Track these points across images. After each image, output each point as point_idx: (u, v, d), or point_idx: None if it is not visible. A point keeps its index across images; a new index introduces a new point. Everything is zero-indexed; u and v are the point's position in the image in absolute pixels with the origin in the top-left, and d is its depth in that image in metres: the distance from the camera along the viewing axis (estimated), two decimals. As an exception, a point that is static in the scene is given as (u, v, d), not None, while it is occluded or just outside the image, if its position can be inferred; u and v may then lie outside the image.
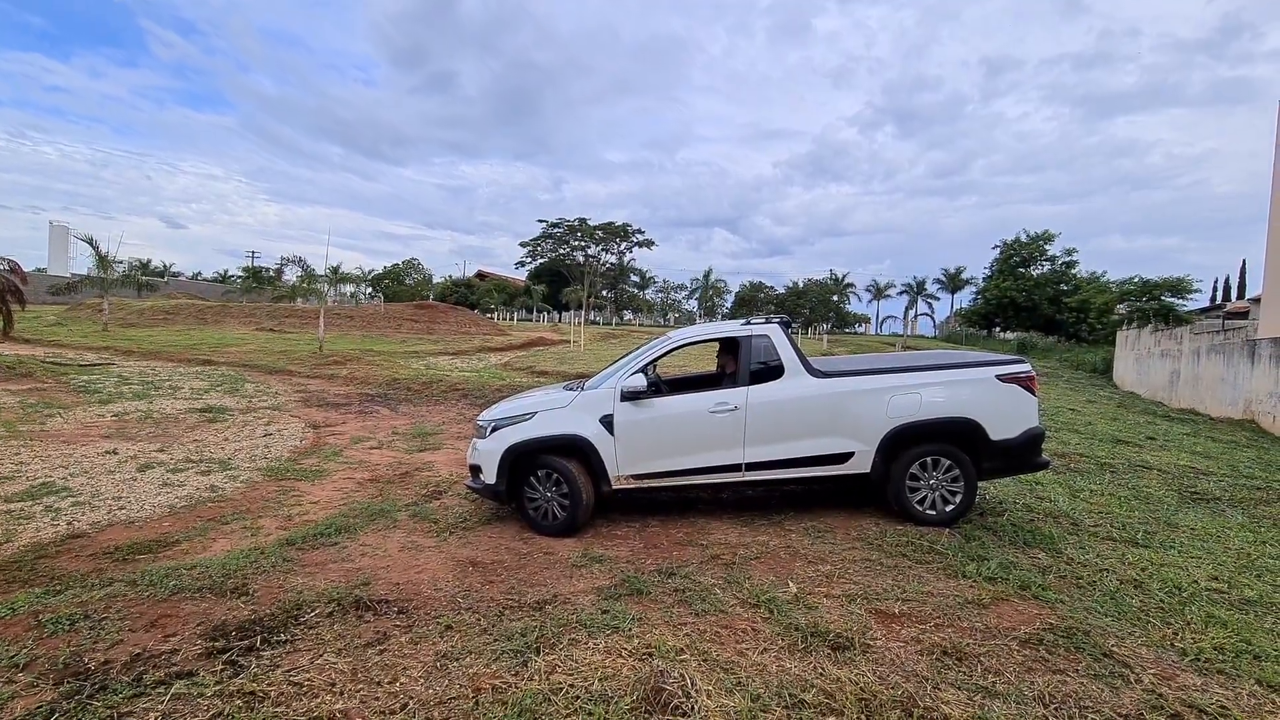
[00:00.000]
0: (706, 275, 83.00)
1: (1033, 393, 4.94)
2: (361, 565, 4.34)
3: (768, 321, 5.28)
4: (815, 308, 68.00)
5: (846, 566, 4.26)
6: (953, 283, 78.09)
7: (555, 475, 4.98)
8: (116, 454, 7.25)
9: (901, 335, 49.98)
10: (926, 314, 78.53)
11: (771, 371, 5.09)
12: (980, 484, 5.20)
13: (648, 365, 5.17)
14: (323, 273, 25.45)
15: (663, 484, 5.08)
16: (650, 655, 3.15)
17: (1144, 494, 6.59)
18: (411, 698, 2.79)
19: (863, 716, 2.67)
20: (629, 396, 4.99)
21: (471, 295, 65.62)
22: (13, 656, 2.95)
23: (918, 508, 4.96)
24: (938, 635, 3.35)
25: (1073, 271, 53.75)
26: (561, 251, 70.25)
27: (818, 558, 4.43)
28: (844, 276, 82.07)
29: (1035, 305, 51.74)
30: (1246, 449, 10.04)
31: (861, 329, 76.51)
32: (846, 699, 2.78)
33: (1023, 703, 2.80)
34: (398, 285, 69.21)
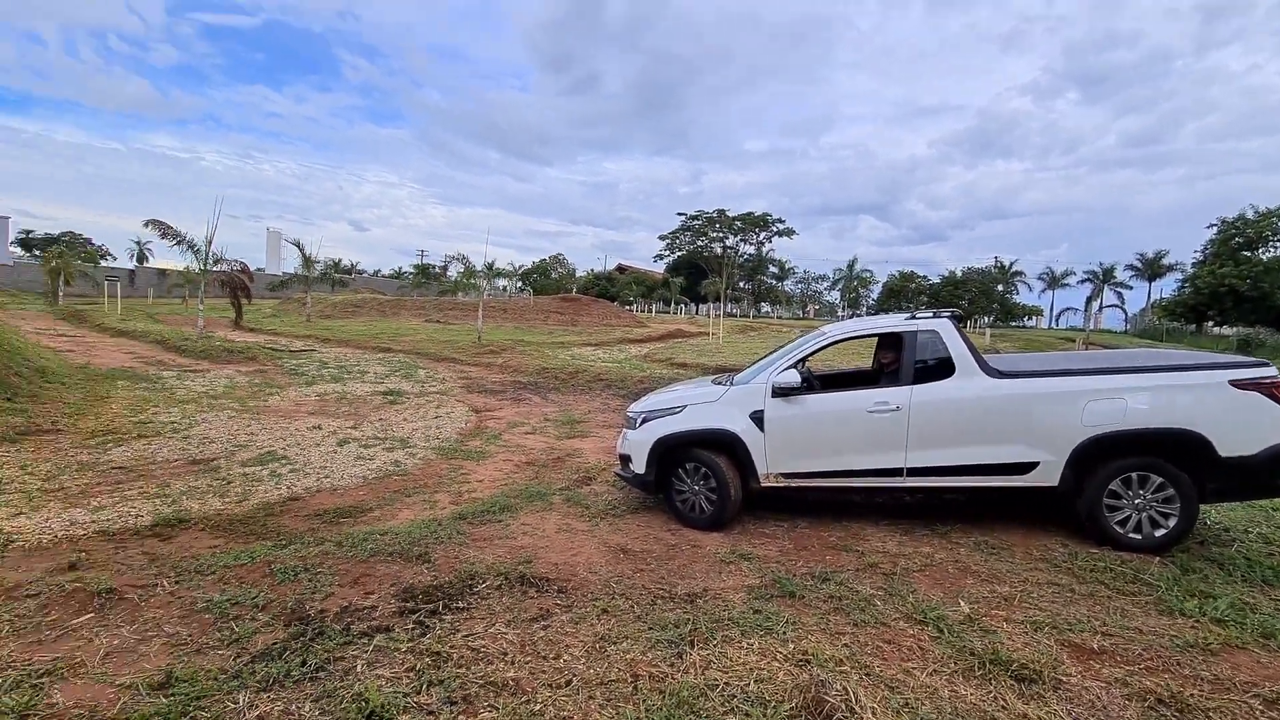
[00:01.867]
0: (850, 265, 78.93)
1: (1278, 401, 4.09)
2: (523, 544, 4.64)
3: (936, 315, 4.87)
4: (976, 299, 62.05)
5: (1029, 590, 3.83)
6: (1150, 269, 67.82)
7: (703, 469, 4.98)
8: (320, 429, 8.38)
9: (1083, 330, 44.05)
10: (1115, 305, 68.64)
11: (940, 369, 4.69)
12: (1201, 508, 4.43)
13: (800, 360, 4.99)
14: (480, 269, 27.55)
15: (814, 484, 4.89)
16: (807, 662, 3.05)
17: None
18: (575, 675, 2.93)
19: (1058, 761, 2.38)
20: (781, 392, 4.86)
21: (611, 288, 67.79)
22: (254, 598, 3.51)
23: (1118, 530, 4.33)
24: (1150, 680, 2.90)
25: (1319, 254, 44.21)
26: (699, 243, 70.28)
27: (993, 576, 4.03)
28: (1011, 264, 74.21)
29: (1264, 295, 43.25)
30: None
31: (1032, 322, 68.68)
32: None
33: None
34: (544, 279, 73.35)
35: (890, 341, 5.07)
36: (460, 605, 3.58)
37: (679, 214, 68.90)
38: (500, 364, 17.00)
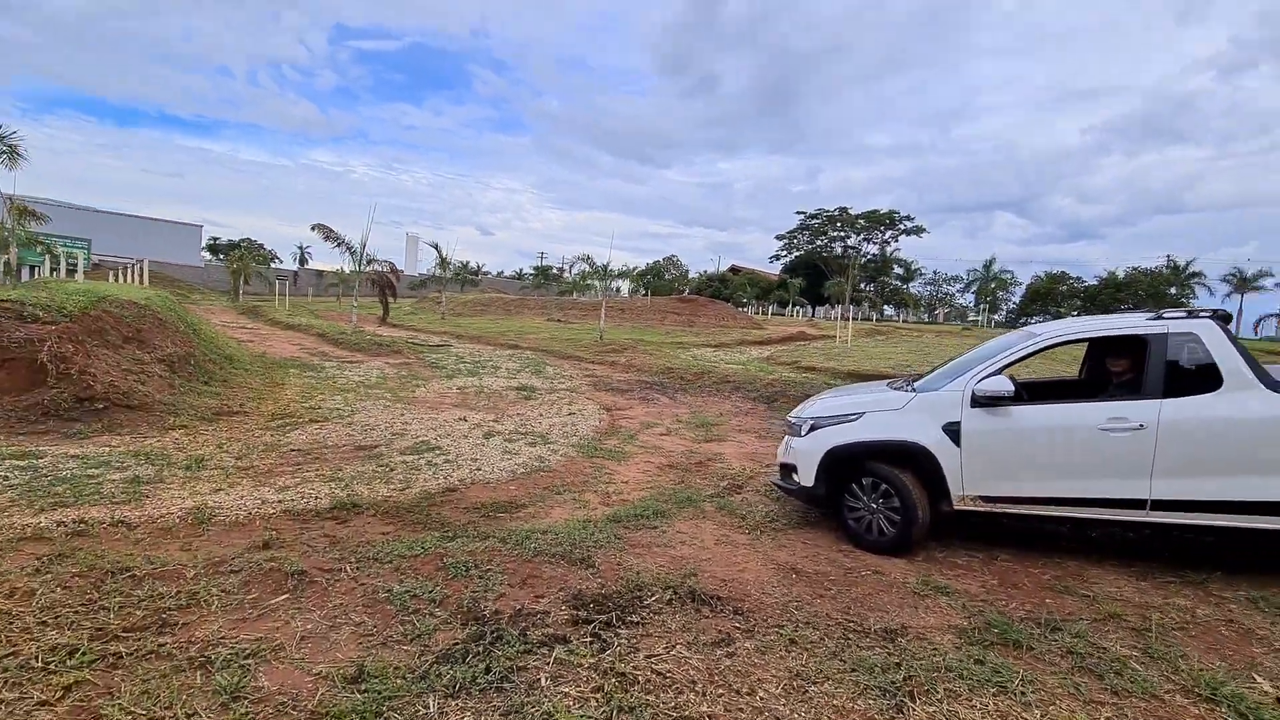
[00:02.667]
0: (987, 265, 72.39)
1: None
2: (683, 554, 4.34)
3: (1192, 315, 4.00)
4: (1141, 302, 54.76)
5: (1348, 668, 2.97)
6: (1374, 270, 56.68)
7: (884, 486, 4.44)
8: (466, 421, 8.63)
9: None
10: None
11: (1199, 381, 3.83)
12: None
13: (1006, 366, 4.30)
14: (605, 269, 27.94)
15: (1021, 510, 4.20)
16: (1066, 736, 2.47)
17: None
18: (776, 717, 2.56)
19: None
20: (984, 402, 4.21)
21: (725, 289, 66.90)
22: (430, 591, 3.46)
23: None
24: None
25: None
26: (818, 243, 67.69)
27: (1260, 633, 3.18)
28: (1188, 264, 64.84)
29: None
30: None
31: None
32: None
33: None
34: (658, 280, 73.79)
35: (1123, 346, 4.24)
36: (634, 619, 3.32)
37: (797, 213, 66.87)
38: (624, 363, 17.02)
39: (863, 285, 66.52)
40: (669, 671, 2.85)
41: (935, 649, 3.15)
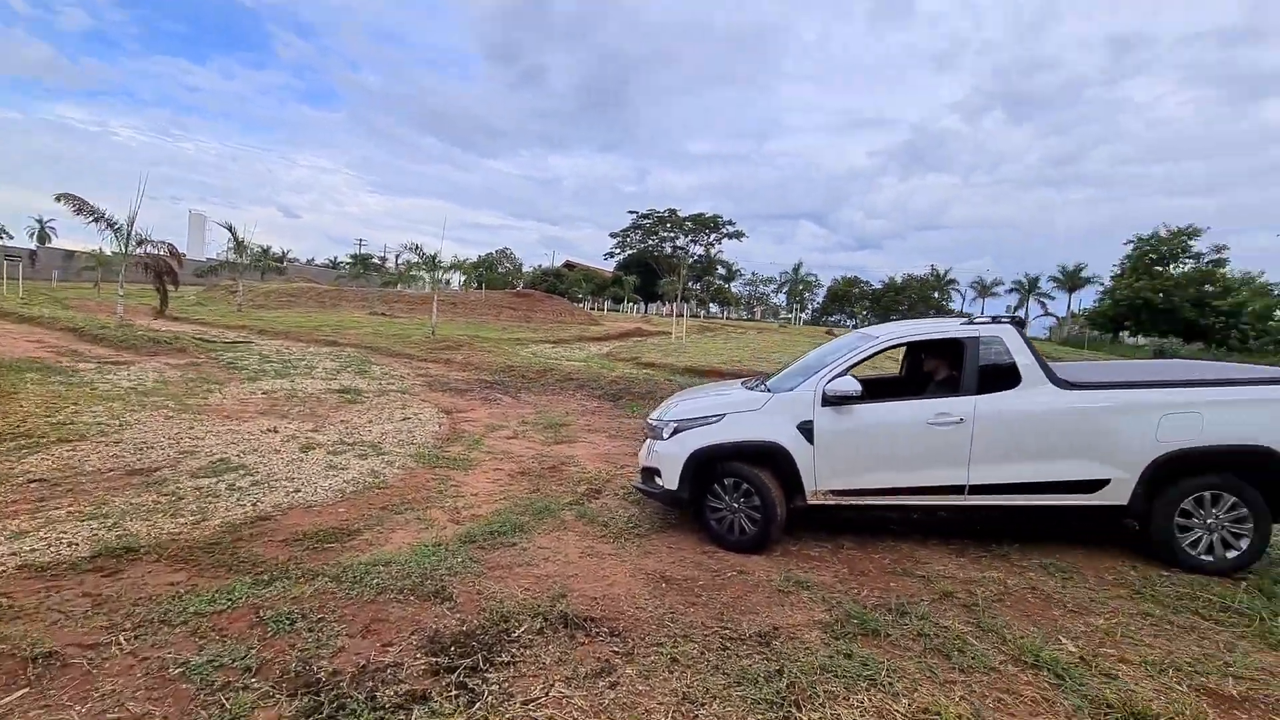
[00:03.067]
0: (796, 269, 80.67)
1: (1353, 418, 3.98)
2: (548, 572, 4.04)
3: (996, 320, 4.57)
4: (914, 304, 64.45)
5: (1125, 622, 3.54)
6: (1071, 281, 71.89)
7: (744, 485, 4.51)
8: (278, 433, 7.44)
9: (1049, 338, 45.88)
10: (1048, 314, 72.50)
11: (1003, 379, 4.38)
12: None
13: (852, 367, 4.58)
14: (434, 260, 26.21)
15: (866, 502, 4.51)
16: (934, 723, 2.61)
17: None
18: (670, 752, 2.39)
19: None
20: (834, 401, 4.44)
21: (560, 284, 66.68)
22: (244, 657, 2.79)
23: (1189, 551, 4.13)
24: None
25: (1221, 271, 47.94)
26: (650, 242, 70.07)
27: (1079, 607, 3.72)
28: (946, 272, 77.43)
29: (1174, 308, 46.55)
30: None
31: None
32: None
33: None
34: (491, 274, 71.36)
35: (941, 348, 4.73)
36: (503, 658, 2.97)
37: (630, 212, 68.66)
38: (461, 360, 16.06)
39: (691, 284, 70.16)
40: (552, 718, 2.55)
41: (807, 648, 3.21)
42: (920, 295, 65.55)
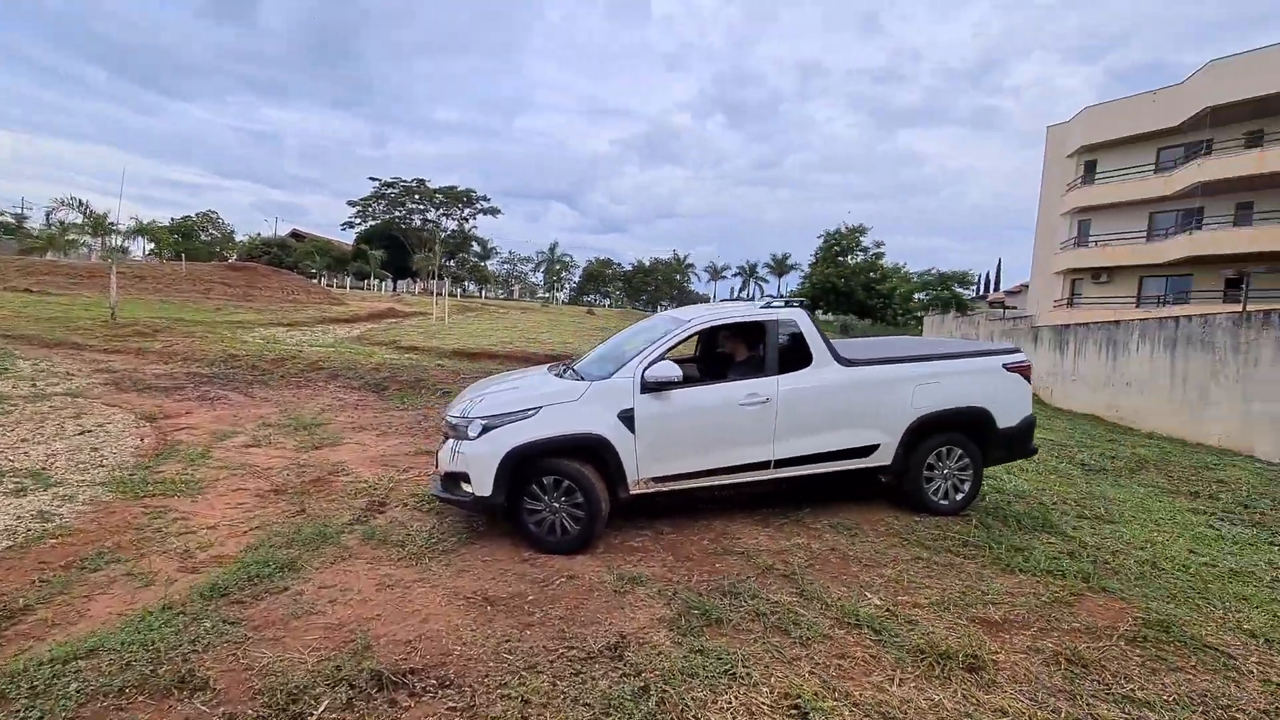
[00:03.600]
0: (552, 249, 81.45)
1: (1029, 380, 5.12)
2: (341, 618, 3.26)
3: (788, 304, 4.89)
4: (661, 286, 69.95)
5: (905, 569, 4.06)
6: (780, 267, 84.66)
7: (565, 482, 4.18)
8: None
9: None
10: (765, 296, 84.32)
11: (799, 359, 4.71)
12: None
13: (668, 351, 4.52)
14: (102, 221, 20.28)
15: (686, 485, 4.51)
16: (798, 708, 2.64)
17: (1058, 469, 7.36)
18: (552, 825, 2.01)
19: (1076, 756, 2.42)
20: (653, 387, 4.32)
21: (288, 257, 57.69)
22: None
23: (933, 498, 4.95)
24: (1050, 642, 3.24)
25: (880, 262, 60.80)
26: (397, 214, 64.32)
27: (870, 561, 4.18)
28: (685, 257, 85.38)
29: (852, 291, 57.77)
30: (1051, 419, 11.87)
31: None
32: None
33: (1174, 708, 2.75)
34: (190, 242, 58.44)
35: (743, 331, 4.92)
36: (304, 757, 2.24)
37: (372, 179, 61.94)
38: (160, 350, 12.77)
39: (446, 261, 66.50)
40: (392, 827, 1.96)
41: (661, 652, 3.04)
42: (665, 277, 71.36)
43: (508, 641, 3.11)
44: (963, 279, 47.32)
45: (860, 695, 2.76)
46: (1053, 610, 3.56)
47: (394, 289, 59.42)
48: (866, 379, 4.77)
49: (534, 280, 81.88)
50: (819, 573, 3.99)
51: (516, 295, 78.40)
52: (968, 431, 4.97)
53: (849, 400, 4.72)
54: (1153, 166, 30.60)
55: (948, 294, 46.43)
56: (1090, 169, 33.02)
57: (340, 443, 7.02)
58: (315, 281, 45.78)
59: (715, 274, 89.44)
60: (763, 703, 2.68)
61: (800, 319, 4.77)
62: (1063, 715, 2.69)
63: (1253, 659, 3.15)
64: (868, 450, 4.78)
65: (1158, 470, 7.83)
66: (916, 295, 50.86)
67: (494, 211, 68.56)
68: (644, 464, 4.34)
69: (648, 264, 73.77)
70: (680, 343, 4.58)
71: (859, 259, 60.73)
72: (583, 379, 4.63)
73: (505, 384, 5.01)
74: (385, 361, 12.85)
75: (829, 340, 4.81)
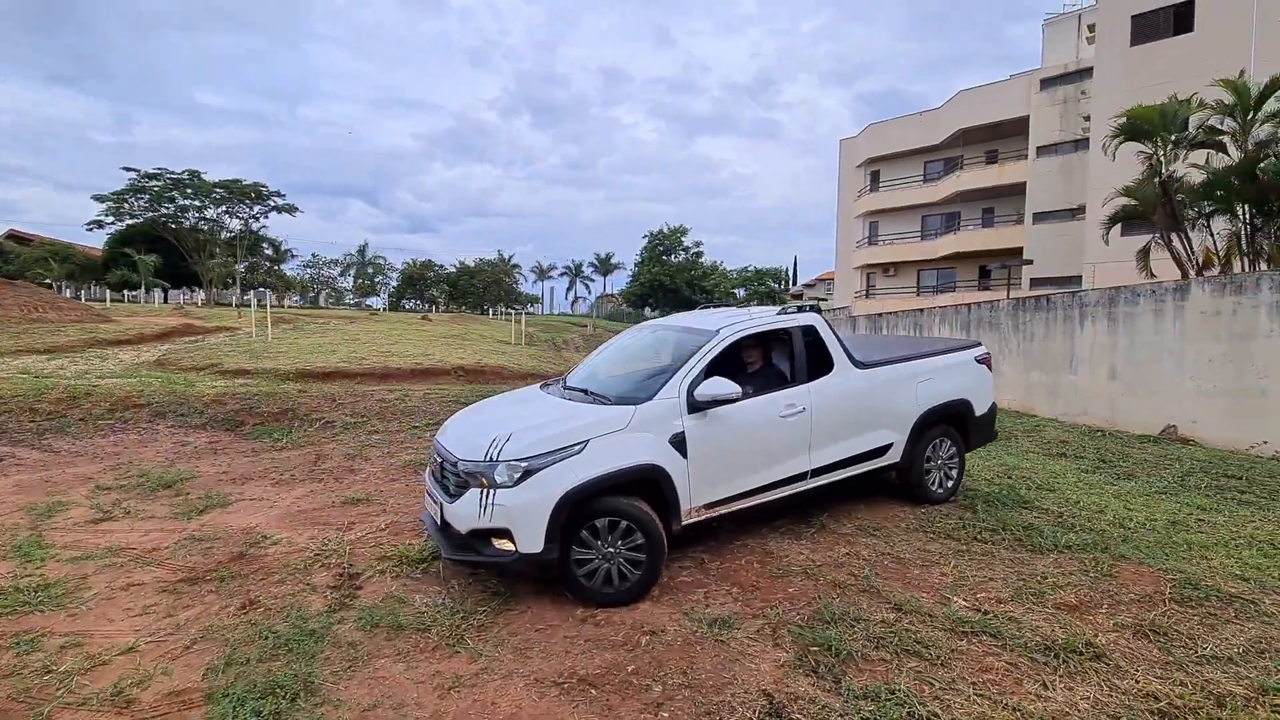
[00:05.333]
0: (362, 250, 74.47)
1: (991, 370, 5.59)
2: (427, 749, 2.47)
3: (802, 310, 4.76)
4: (489, 287, 67.25)
5: (956, 564, 4.17)
6: (604, 266, 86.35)
7: (622, 523, 3.65)
8: None
9: (592, 316, 52.47)
10: (611, 294, 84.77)
11: (823, 365, 4.62)
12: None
13: (710, 366, 4.15)
14: None
15: (736, 508, 4.19)
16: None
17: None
18: None
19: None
20: (703, 406, 3.94)
21: (5, 265, 45.71)
22: None
23: (931, 489, 5.19)
24: (1127, 617, 3.50)
25: (701, 260, 64.83)
26: (163, 211, 54.03)
27: (920, 561, 4.23)
28: (510, 257, 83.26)
29: (678, 288, 60.84)
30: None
31: (533, 309, 78.75)
32: (1178, 710, 2.68)
33: (1252, 659, 3.10)
34: None
35: (766, 339, 4.67)
36: None
37: (127, 170, 50.99)
38: None
39: (238, 267, 57.69)
40: None
41: (824, 705, 2.74)
42: (492, 278, 68.67)
43: (656, 732, 2.59)
44: (776, 275, 52.36)
45: (1033, 708, 2.72)
46: (1103, 585, 3.88)
47: (165, 299, 49.87)
48: (880, 380, 4.84)
49: (343, 285, 74.17)
50: (887, 581, 3.93)
51: (323, 303, 70.28)
52: (954, 423, 5.30)
53: (868, 403, 4.75)
54: (921, 177, 36.21)
55: (764, 288, 50.99)
56: (876, 178, 38.13)
57: (230, 501, 5.54)
58: (65, 296, 36.73)
59: (542, 274, 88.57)
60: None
61: (819, 324, 4.69)
62: (1191, 687, 2.88)
63: (1268, 601, 3.70)
64: (885, 450, 4.86)
65: (1013, 437, 9.13)
66: (737, 290, 55.10)
67: (290, 209, 60.56)
68: (696, 490, 3.95)
69: (472, 265, 70.47)
70: (720, 355, 4.23)
71: (681, 257, 64.14)
72: (608, 400, 4.10)
73: (500, 412, 4.27)
74: (227, 391, 10.54)
75: (845, 344, 4.79)
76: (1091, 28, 25.52)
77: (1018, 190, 29.89)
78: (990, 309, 17.97)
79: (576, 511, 3.55)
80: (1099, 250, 19.55)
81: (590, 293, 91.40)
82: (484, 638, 3.33)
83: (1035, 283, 27.13)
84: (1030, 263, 25.31)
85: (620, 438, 3.74)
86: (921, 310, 20.85)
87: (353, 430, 8.18)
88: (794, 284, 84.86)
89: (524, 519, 3.46)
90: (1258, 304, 10.65)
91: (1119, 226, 16.50)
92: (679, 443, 3.87)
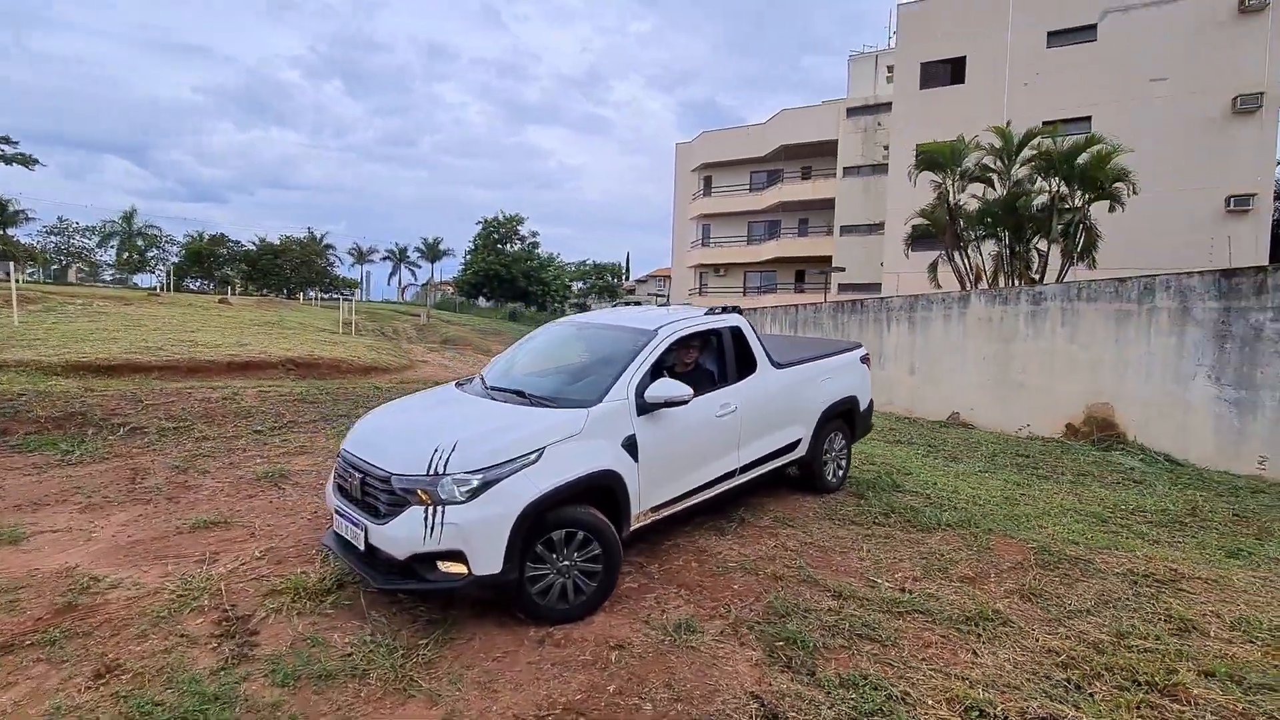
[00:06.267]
0: (128, 217, 62.23)
1: (869, 369, 6.18)
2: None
3: (725, 311, 4.84)
4: (296, 268, 59.85)
5: (870, 548, 4.54)
6: (432, 252, 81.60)
7: (579, 534, 3.44)
8: None
9: (425, 304, 48.54)
10: (439, 282, 79.58)
11: (747, 366, 4.75)
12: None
13: (655, 367, 4.05)
14: None
15: (676, 509, 4.15)
16: (973, 709, 2.80)
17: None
18: None
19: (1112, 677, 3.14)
20: (652, 407, 3.85)
21: None
22: None
23: (828, 479, 5.60)
24: (1010, 584, 4.08)
25: (537, 251, 63.82)
26: None
27: (838, 548, 4.54)
28: (323, 236, 75.15)
29: (514, 279, 59.26)
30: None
31: (353, 295, 71.72)
32: (1074, 660, 3.20)
33: (1101, 610, 3.80)
34: None
35: (698, 339, 4.66)
36: None
37: None
38: None
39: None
40: None
41: (813, 702, 2.83)
42: (303, 259, 61.17)
43: (665, 753, 2.48)
44: (614, 270, 53.29)
45: (975, 675, 3.06)
46: (986, 557, 4.48)
47: None
48: (794, 380, 5.11)
49: (102, 259, 61.48)
50: (818, 569, 4.17)
51: (73, 279, 57.41)
52: (845, 417, 5.77)
53: (785, 401, 4.99)
54: (748, 186, 39.18)
55: (603, 283, 51.69)
56: (709, 183, 40.49)
57: (22, 535, 4.29)
58: None
59: (361, 256, 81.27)
60: (948, 717, 2.75)
61: (744, 325, 4.82)
62: (1074, 639, 3.45)
63: (1098, 560, 4.53)
64: (796, 445, 5.14)
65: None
66: (575, 284, 55.09)
67: (25, 160, 48.83)
68: (645, 494, 3.85)
69: (277, 242, 62.16)
70: (661, 355, 4.16)
71: (518, 247, 62.52)
72: (548, 402, 3.85)
73: (449, 419, 3.81)
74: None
75: (765, 345, 4.98)
76: (890, 68, 29.37)
77: (829, 205, 33.57)
78: (814, 310, 20.03)
79: (534, 525, 3.28)
80: (896, 262, 22.71)
81: (416, 279, 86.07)
82: (436, 675, 2.94)
83: (842, 288, 30.87)
84: (844, 270, 28.57)
85: (576, 443, 3.51)
86: (754, 310, 22.64)
87: (173, 437, 6.78)
88: (626, 278, 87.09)
89: (480, 538, 3.11)
90: (1018, 313, 13.06)
91: (914, 241, 19.26)
92: (630, 446, 3.75)
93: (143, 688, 2.73)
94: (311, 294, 58.99)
